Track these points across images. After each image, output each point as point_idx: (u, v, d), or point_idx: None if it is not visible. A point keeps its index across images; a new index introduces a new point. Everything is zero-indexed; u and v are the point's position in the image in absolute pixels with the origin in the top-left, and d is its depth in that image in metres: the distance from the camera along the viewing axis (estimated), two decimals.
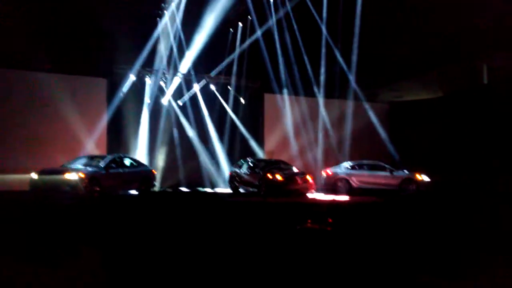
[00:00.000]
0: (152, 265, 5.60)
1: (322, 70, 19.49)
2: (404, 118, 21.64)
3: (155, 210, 11.01)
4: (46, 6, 15.47)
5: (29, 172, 12.78)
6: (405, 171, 16.51)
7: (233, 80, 19.94)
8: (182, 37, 18.32)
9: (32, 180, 12.41)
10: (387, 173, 16.33)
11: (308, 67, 19.43)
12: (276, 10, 18.72)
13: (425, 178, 16.18)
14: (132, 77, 17.87)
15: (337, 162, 17.83)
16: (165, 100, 18.86)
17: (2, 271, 5.11)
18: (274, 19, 18.79)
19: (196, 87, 19.37)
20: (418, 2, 16.64)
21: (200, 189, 18.01)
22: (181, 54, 18.56)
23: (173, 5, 17.75)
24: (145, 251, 6.31)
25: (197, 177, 18.56)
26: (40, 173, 12.51)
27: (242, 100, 20.22)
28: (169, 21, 18.10)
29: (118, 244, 6.82)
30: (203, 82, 19.47)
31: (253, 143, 19.73)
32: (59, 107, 16.05)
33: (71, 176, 12.17)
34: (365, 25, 18.15)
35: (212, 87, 19.80)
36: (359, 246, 6.85)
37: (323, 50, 19.27)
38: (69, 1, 15.75)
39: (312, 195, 15.43)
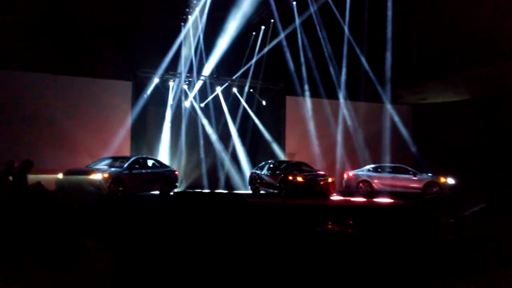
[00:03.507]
0: (172, 264, 5.68)
1: (345, 72, 19.38)
2: (429, 121, 21.26)
3: (176, 210, 11.13)
4: (74, 12, 15.90)
5: (55, 172, 13.13)
6: (429, 174, 16.22)
7: (255, 82, 20.04)
8: (205, 41, 18.53)
9: (58, 180, 12.74)
10: (410, 176, 16.07)
11: (331, 69, 19.36)
12: (299, 13, 18.72)
13: (449, 181, 15.86)
14: (156, 81, 18.19)
15: (359, 164, 17.66)
16: (187, 103, 19.12)
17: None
18: (297, 21, 18.79)
19: (219, 90, 19.57)
20: (445, 3, 16.36)
21: (221, 190, 18.14)
22: (204, 57, 18.78)
23: (197, 10, 17.97)
24: (166, 250, 6.40)
25: (218, 178, 18.73)
26: (65, 173, 12.83)
27: (264, 103, 20.28)
28: (192, 26, 18.34)
29: (139, 243, 6.93)
30: (225, 85, 19.64)
31: (274, 145, 19.75)
32: (85, 109, 16.51)
33: (95, 177, 12.42)
34: (389, 26, 17.95)
35: (234, 89, 19.95)
36: (380, 249, 6.79)
37: (346, 52, 19.15)
38: (97, 7, 16.13)
39: (333, 197, 15.33)
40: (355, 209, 12.71)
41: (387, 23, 17.84)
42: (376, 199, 15.17)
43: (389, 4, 17.46)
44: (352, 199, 15.31)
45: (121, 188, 12.84)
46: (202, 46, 18.61)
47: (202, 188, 18.13)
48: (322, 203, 13.60)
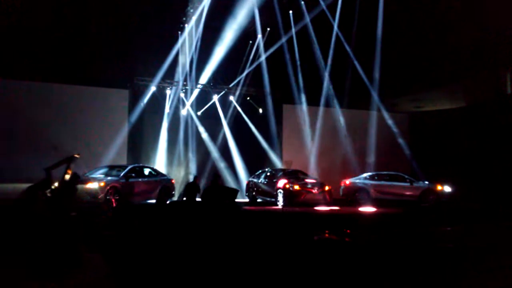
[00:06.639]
0: (168, 273, 5.64)
1: (342, 80, 19.42)
2: (425, 128, 21.33)
3: (173, 219, 11.09)
4: (72, 22, 15.95)
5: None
6: (426, 182, 16.23)
7: (252, 91, 20.08)
8: (202, 49, 18.57)
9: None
10: (406, 184, 16.08)
11: (327, 77, 19.42)
12: (295, 22, 18.80)
13: (446, 189, 15.87)
14: (153, 89, 18.22)
15: (356, 173, 17.66)
16: (184, 111, 19.13)
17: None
18: (293, 30, 18.86)
19: (215, 98, 19.61)
20: (441, 11, 16.47)
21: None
22: (201, 65, 18.83)
23: (193, 19, 18.04)
24: (162, 260, 6.36)
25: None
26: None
27: (261, 111, 20.33)
28: (189, 34, 18.40)
29: (135, 252, 6.90)
30: (222, 93, 19.68)
31: (271, 153, 19.75)
32: (83, 117, 16.51)
33: (91, 185, 12.38)
34: (386, 35, 18.04)
35: (231, 97, 19.99)
36: (377, 258, 6.77)
37: (342, 60, 19.20)
38: (94, 17, 16.19)
39: (330, 205, 15.31)
40: (352, 217, 12.69)
41: (383, 32, 17.93)
42: (373, 207, 15.15)
43: (386, 12, 17.56)
44: (349, 207, 15.28)
45: (117, 197, 12.78)
46: (199, 54, 18.64)
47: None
48: (319, 212, 13.58)
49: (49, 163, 14.89)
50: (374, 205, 15.25)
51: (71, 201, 9.78)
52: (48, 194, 9.92)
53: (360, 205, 15.48)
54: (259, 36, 19.34)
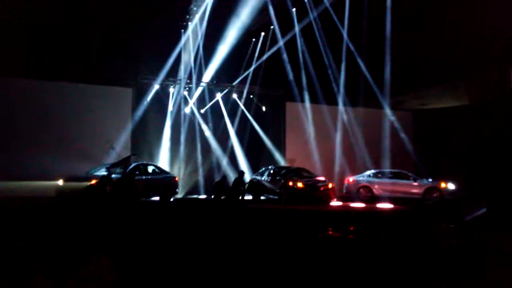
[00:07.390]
0: (173, 270, 5.67)
1: (345, 78, 19.40)
2: (429, 126, 21.28)
3: (177, 217, 11.13)
4: (75, 19, 15.99)
5: (56, 179, 13.15)
6: (429, 179, 16.21)
7: (255, 89, 20.09)
8: (205, 47, 18.59)
9: (58, 187, 12.75)
10: (410, 181, 16.07)
11: (331, 75, 19.39)
12: (299, 19, 18.76)
13: (450, 186, 15.85)
14: (156, 87, 18.25)
15: (359, 170, 17.65)
16: (187, 109, 19.16)
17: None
18: (296, 28, 18.83)
19: (219, 96, 19.62)
20: (445, 9, 16.43)
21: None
22: (204, 64, 18.83)
23: (197, 17, 18.05)
24: (166, 256, 6.39)
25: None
26: (65, 180, 12.84)
27: (264, 109, 20.33)
28: (192, 33, 18.41)
29: (140, 249, 6.93)
30: (225, 91, 19.70)
31: (274, 151, 19.76)
32: (86, 115, 16.54)
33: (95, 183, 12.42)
34: (390, 33, 17.99)
35: (234, 95, 19.99)
36: (381, 255, 6.77)
37: (346, 58, 19.18)
38: (98, 16, 16.22)
39: (334, 202, 15.31)
40: (355, 215, 12.70)
41: (387, 29, 17.87)
42: (376, 205, 15.15)
43: (390, 10, 17.51)
44: (353, 204, 15.29)
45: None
46: (202, 53, 18.65)
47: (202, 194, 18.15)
48: (322, 209, 13.59)
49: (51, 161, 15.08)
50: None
51: (129, 196, 10.31)
52: (108, 190, 10.50)
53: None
54: (262, 33, 19.33)
